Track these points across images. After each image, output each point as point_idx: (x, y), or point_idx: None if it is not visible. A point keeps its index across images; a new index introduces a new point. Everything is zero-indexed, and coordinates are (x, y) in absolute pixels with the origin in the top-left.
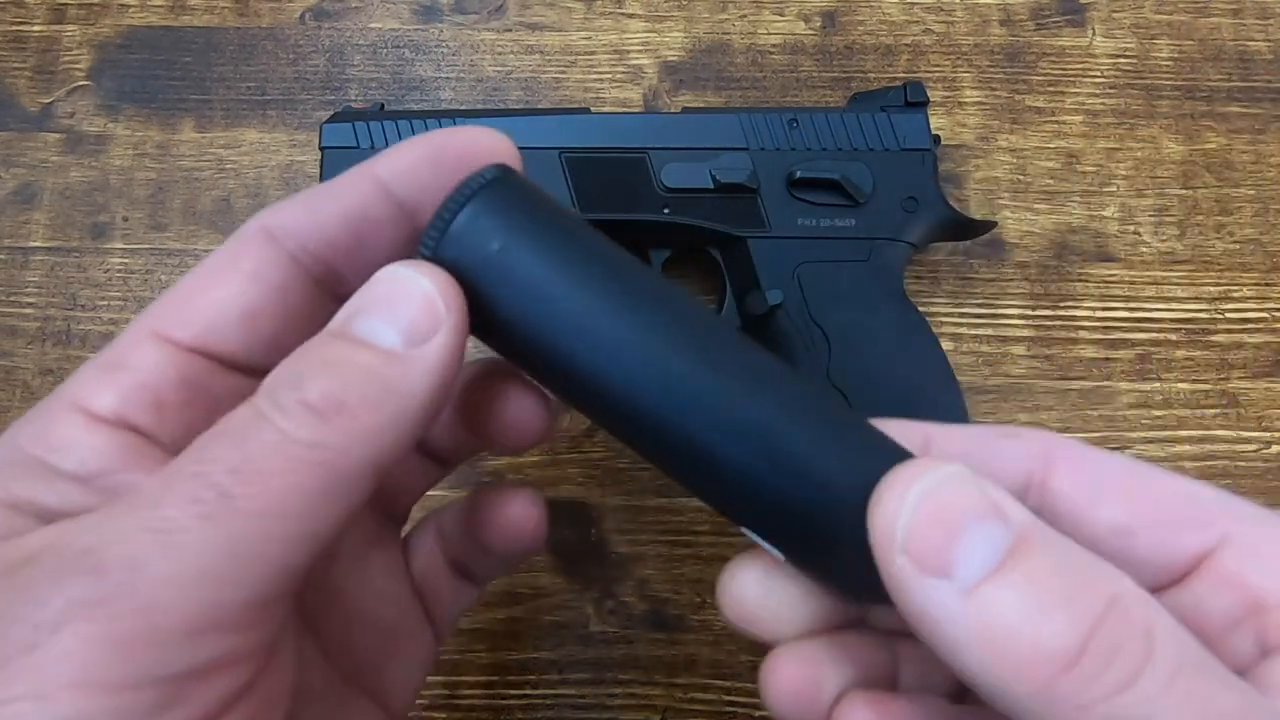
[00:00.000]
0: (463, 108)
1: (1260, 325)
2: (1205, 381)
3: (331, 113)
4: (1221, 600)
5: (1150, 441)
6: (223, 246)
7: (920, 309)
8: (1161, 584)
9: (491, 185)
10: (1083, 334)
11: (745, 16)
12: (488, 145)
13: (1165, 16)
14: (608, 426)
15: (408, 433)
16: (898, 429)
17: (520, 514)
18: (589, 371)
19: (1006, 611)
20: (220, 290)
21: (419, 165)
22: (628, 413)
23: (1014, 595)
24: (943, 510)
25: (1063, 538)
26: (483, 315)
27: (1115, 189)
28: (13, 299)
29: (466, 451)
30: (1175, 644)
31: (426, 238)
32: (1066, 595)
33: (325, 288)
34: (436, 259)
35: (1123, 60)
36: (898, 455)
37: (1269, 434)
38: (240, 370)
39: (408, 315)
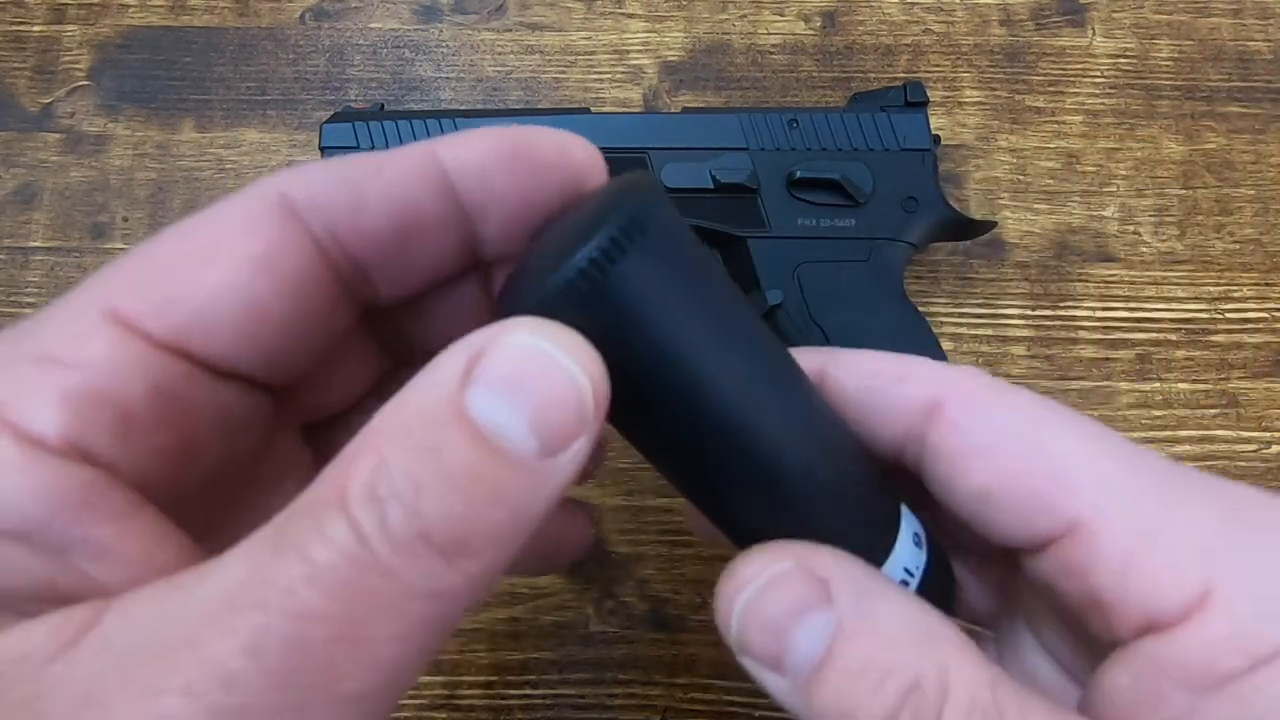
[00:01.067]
0: (463, 108)
1: (1260, 325)
2: (1205, 381)
3: (331, 113)
4: (1070, 584)
5: (1150, 441)
6: (223, 205)
7: (920, 309)
8: (1026, 550)
9: (650, 223)
10: (1083, 334)
11: (745, 16)
12: (580, 159)
13: (1165, 16)
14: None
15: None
16: (802, 356)
17: (575, 524)
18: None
19: (828, 703)
20: (216, 273)
21: (493, 162)
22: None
23: (833, 689)
24: (767, 614)
25: (887, 603)
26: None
27: (1115, 189)
28: (13, 299)
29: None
30: (961, 717)
31: (557, 280)
32: (874, 684)
33: (347, 285)
34: (559, 310)
35: (1123, 60)
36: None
37: (1269, 434)
38: (224, 377)
39: (553, 416)
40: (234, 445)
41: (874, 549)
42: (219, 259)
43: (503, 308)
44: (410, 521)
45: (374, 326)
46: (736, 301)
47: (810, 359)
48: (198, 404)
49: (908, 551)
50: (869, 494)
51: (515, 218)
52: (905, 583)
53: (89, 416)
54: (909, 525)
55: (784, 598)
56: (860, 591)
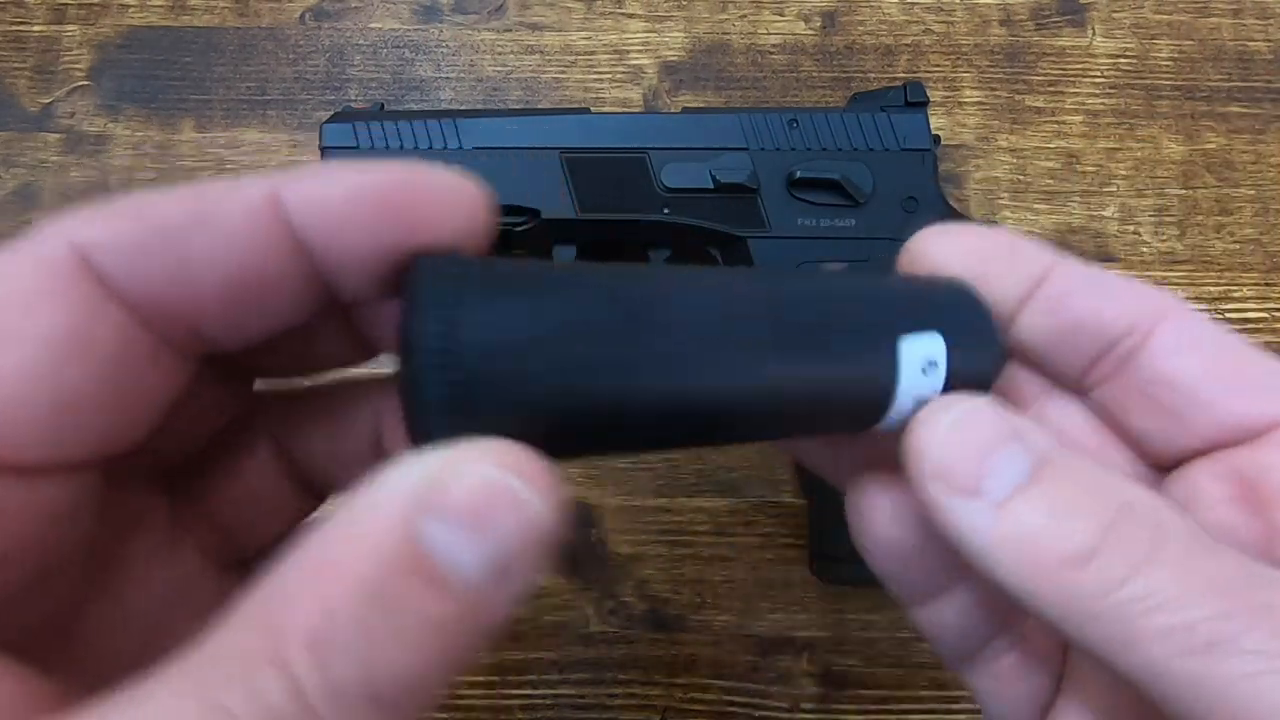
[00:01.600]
0: (463, 108)
1: (1260, 325)
2: None
3: (331, 113)
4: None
5: None
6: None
7: None
8: (1224, 442)
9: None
10: None
11: (745, 16)
12: (463, 212)
13: (1165, 16)
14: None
15: None
16: (1027, 250)
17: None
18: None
19: (1030, 522)
20: (9, 364)
21: (350, 214)
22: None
23: (1036, 508)
24: (970, 439)
25: (1081, 459)
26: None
27: (1115, 189)
28: None
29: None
30: (1180, 536)
31: (425, 402)
32: (1083, 505)
33: (174, 346)
34: (460, 425)
35: (1123, 60)
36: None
37: None
38: (36, 474)
39: (516, 553)
40: (64, 534)
41: (874, 407)
42: (8, 347)
43: (407, 413)
44: (362, 681)
45: (220, 367)
46: (609, 275)
47: (1035, 264)
48: (19, 511)
49: (915, 385)
50: (852, 372)
51: (374, 270)
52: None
53: None
54: (913, 356)
55: (988, 426)
56: (1053, 443)
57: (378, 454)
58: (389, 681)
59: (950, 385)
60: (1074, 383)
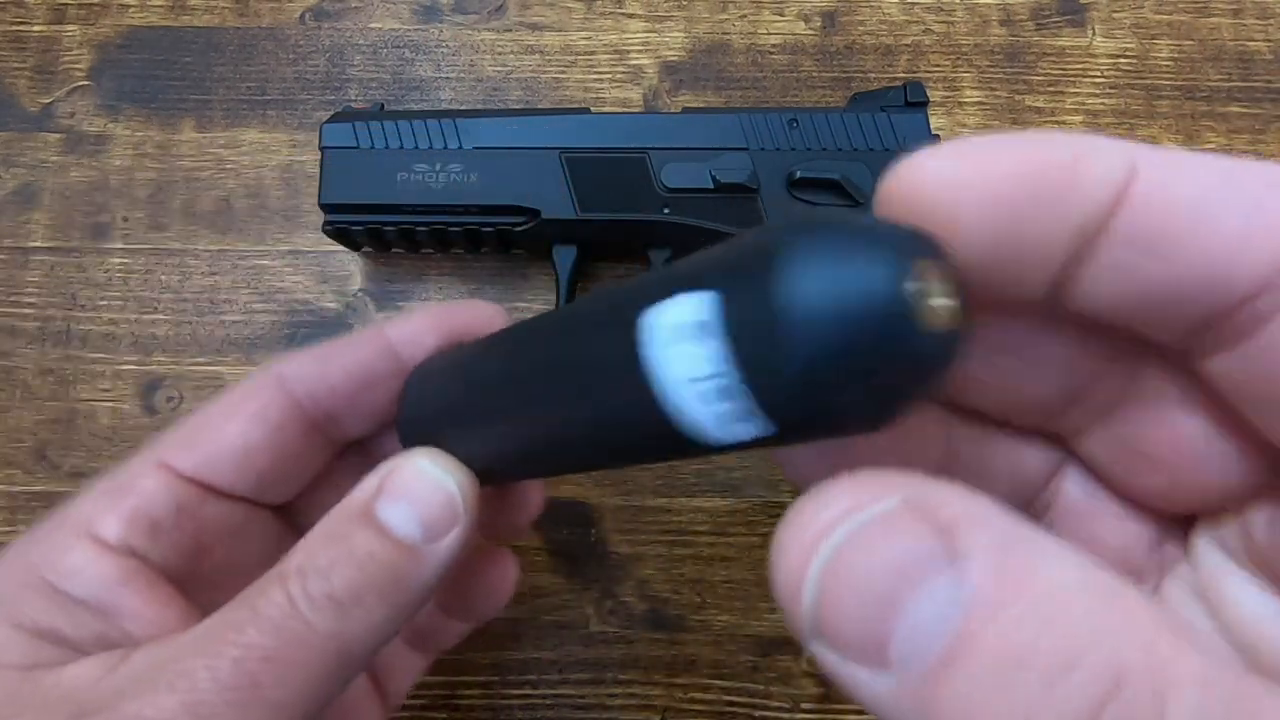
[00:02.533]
0: (463, 108)
1: None
2: None
3: (331, 113)
4: None
5: None
6: (239, 386)
7: None
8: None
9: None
10: None
11: (745, 16)
12: (484, 316)
13: (1165, 16)
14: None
15: (405, 621)
16: (1087, 148)
17: (498, 578)
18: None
19: (963, 709)
20: (225, 427)
21: (425, 333)
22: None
23: (971, 689)
24: (867, 577)
25: (1045, 557)
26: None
27: None
28: (13, 299)
29: (442, 635)
30: (1196, 708)
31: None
32: (1044, 679)
33: (321, 429)
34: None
35: (1123, 60)
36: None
37: None
38: (229, 498)
39: (430, 511)
40: (241, 548)
41: (649, 412)
42: (228, 417)
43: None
44: (322, 585)
45: (355, 454)
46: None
47: (1107, 163)
48: (204, 515)
49: (684, 362)
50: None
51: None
52: (724, 393)
53: (136, 527)
54: (659, 328)
55: (892, 551)
56: (1006, 539)
57: None
58: (344, 592)
59: (746, 355)
60: (1165, 350)
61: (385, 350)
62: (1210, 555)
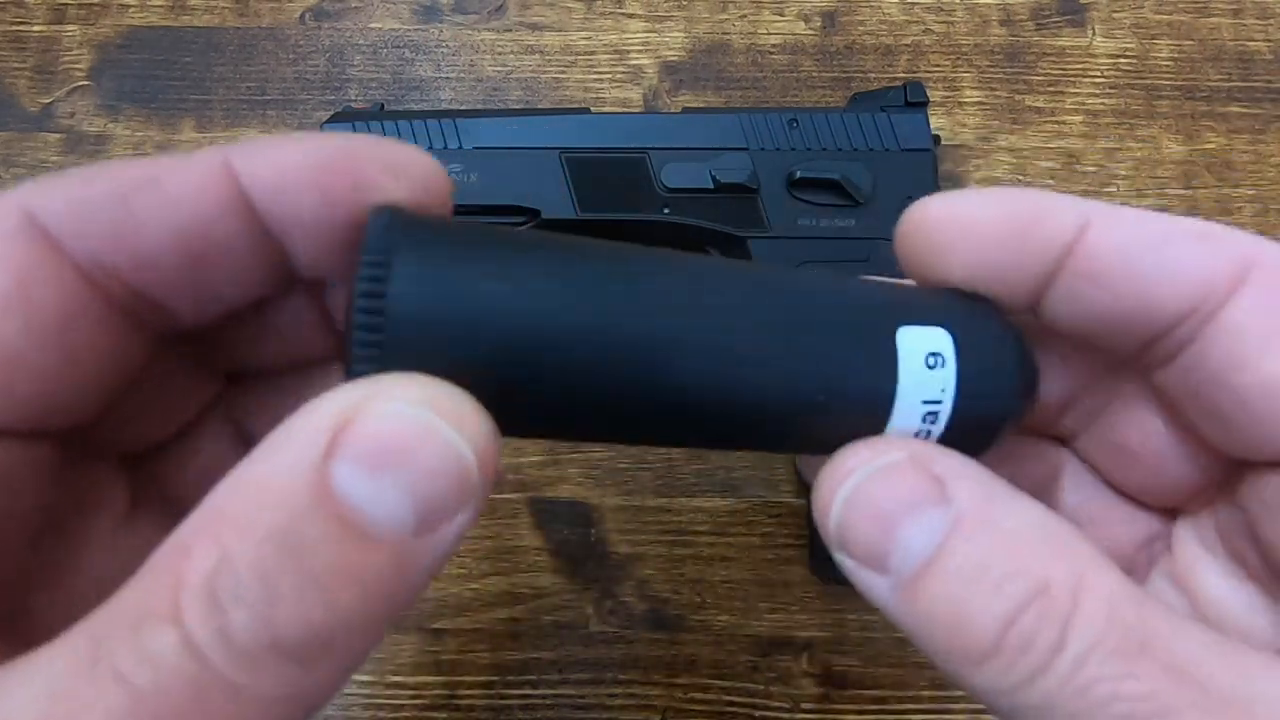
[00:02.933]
0: (463, 108)
1: None
2: None
3: (331, 113)
4: None
5: None
6: None
7: None
8: None
9: (402, 233)
10: None
11: (745, 16)
12: (416, 175)
13: (1165, 16)
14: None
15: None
16: (1053, 203)
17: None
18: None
19: (934, 606)
20: None
21: (301, 180)
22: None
23: (941, 590)
24: (875, 505)
25: (1012, 507)
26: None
27: (1115, 189)
28: None
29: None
30: (1096, 628)
31: (357, 341)
32: (992, 585)
33: (130, 317)
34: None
35: (1123, 60)
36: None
37: None
38: (31, 439)
39: (433, 490)
40: (16, 502)
41: (872, 410)
42: None
43: (346, 360)
44: (261, 630)
45: (188, 348)
46: (567, 248)
47: (1069, 216)
48: None
49: (920, 383)
50: (841, 359)
51: (329, 239)
52: (931, 416)
53: None
54: (915, 348)
55: (895, 488)
56: (984, 494)
57: None
58: (298, 634)
59: (963, 392)
60: (1129, 364)
61: (229, 197)
62: (1188, 545)
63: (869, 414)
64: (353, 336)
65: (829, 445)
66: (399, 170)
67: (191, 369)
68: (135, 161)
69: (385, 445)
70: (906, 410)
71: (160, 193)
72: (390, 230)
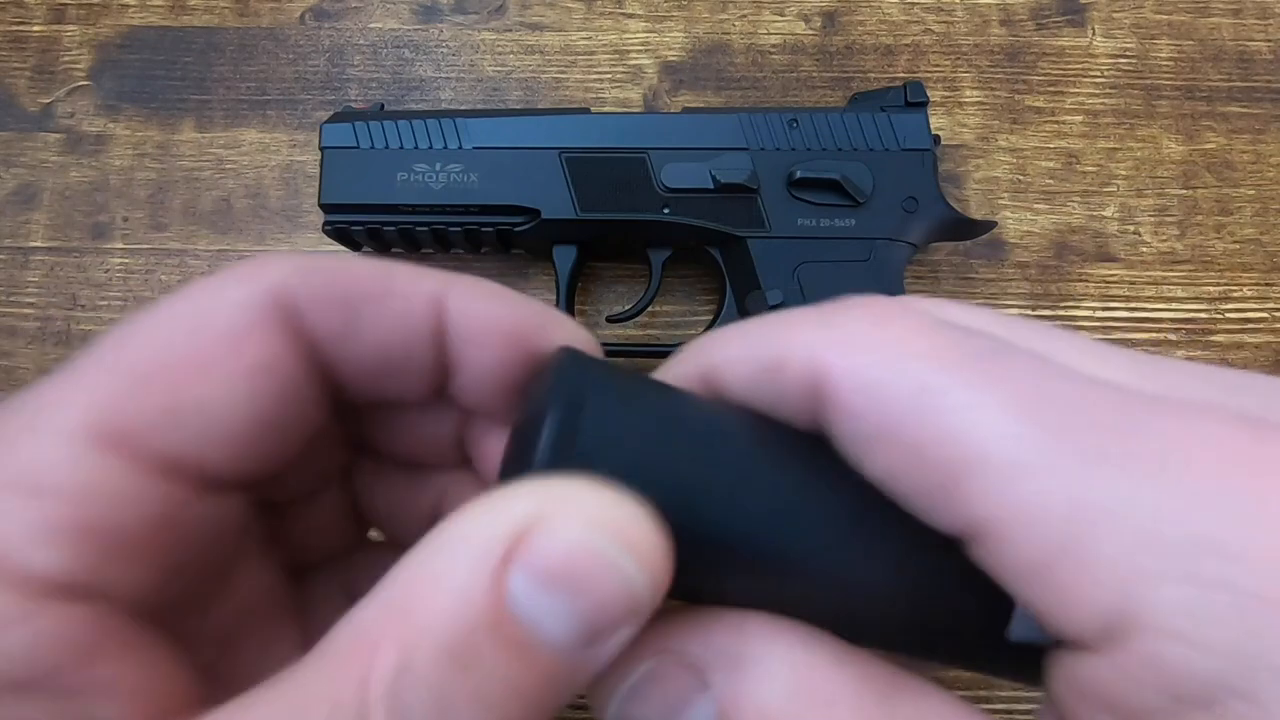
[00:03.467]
0: (463, 108)
1: (1260, 325)
2: None
3: (331, 113)
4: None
5: None
6: (209, 296)
7: None
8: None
9: (588, 400)
10: (1083, 334)
11: (745, 16)
12: (571, 334)
13: (1165, 16)
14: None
15: None
16: (675, 365)
17: None
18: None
19: None
20: (217, 388)
21: (499, 338)
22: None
23: None
24: (650, 711)
25: (769, 677)
26: None
27: (1115, 189)
28: (13, 299)
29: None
30: None
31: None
32: None
33: (326, 391)
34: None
35: (1123, 60)
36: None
37: None
38: (218, 489)
39: (605, 614)
40: (219, 550)
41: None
42: (217, 371)
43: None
44: None
45: (340, 417)
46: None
47: (687, 365)
48: (192, 519)
49: None
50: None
51: (492, 381)
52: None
53: (85, 550)
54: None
55: (658, 697)
56: (735, 667)
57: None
58: None
59: None
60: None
61: (436, 330)
62: None
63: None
64: (536, 458)
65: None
66: (570, 341)
67: (338, 436)
68: (374, 265)
69: (562, 566)
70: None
71: (384, 307)
72: (581, 370)
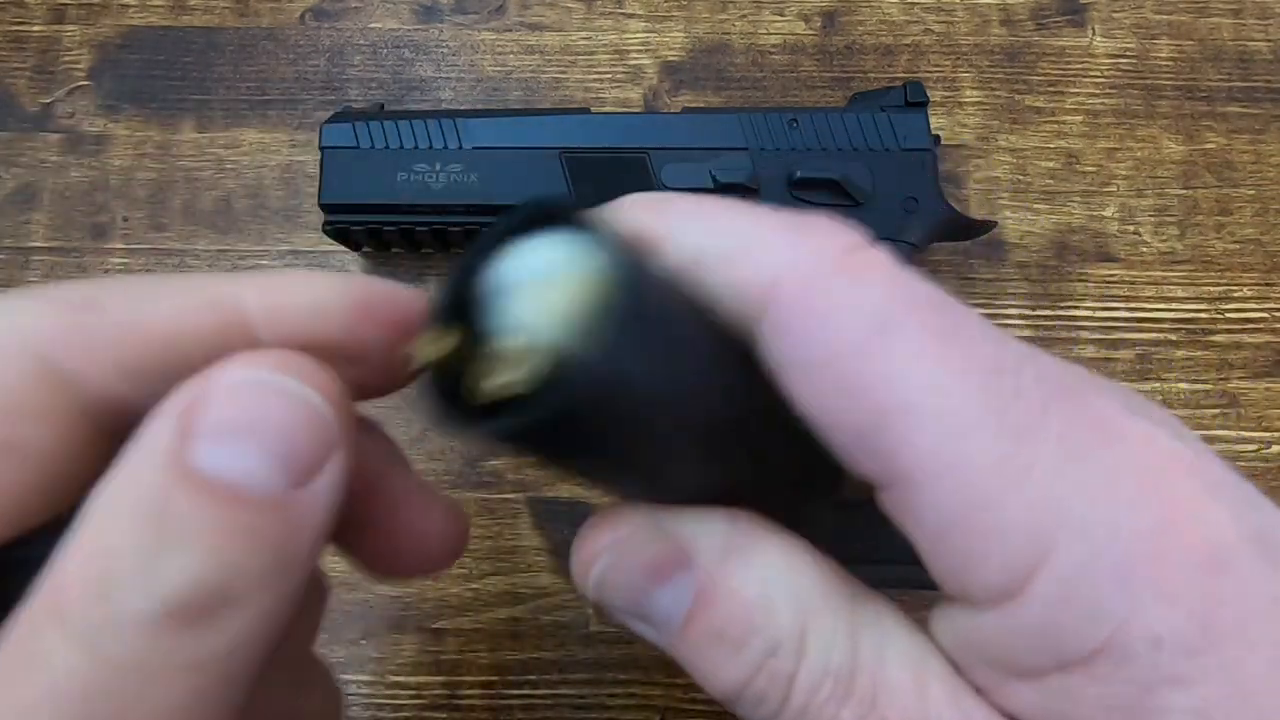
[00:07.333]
0: (463, 108)
1: (1260, 325)
2: (1205, 382)
3: (331, 113)
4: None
5: None
6: None
7: None
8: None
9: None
10: (1083, 334)
11: (745, 16)
12: (402, 301)
13: (1165, 16)
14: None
15: (297, 595)
16: (632, 209)
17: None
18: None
19: (689, 658)
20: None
21: (306, 309)
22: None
23: (691, 651)
24: (626, 579)
25: (750, 563)
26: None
27: (1115, 189)
28: None
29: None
30: (814, 679)
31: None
32: (730, 650)
33: (104, 424)
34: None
35: (1123, 60)
36: None
37: (1269, 434)
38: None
39: (294, 445)
40: None
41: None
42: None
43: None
44: (149, 602)
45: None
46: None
47: (642, 213)
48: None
49: None
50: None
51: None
52: None
53: None
54: None
55: (640, 561)
56: (724, 551)
57: None
58: (189, 593)
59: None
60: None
61: (231, 328)
62: None
63: None
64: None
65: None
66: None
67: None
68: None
69: (234, 415)
70: None
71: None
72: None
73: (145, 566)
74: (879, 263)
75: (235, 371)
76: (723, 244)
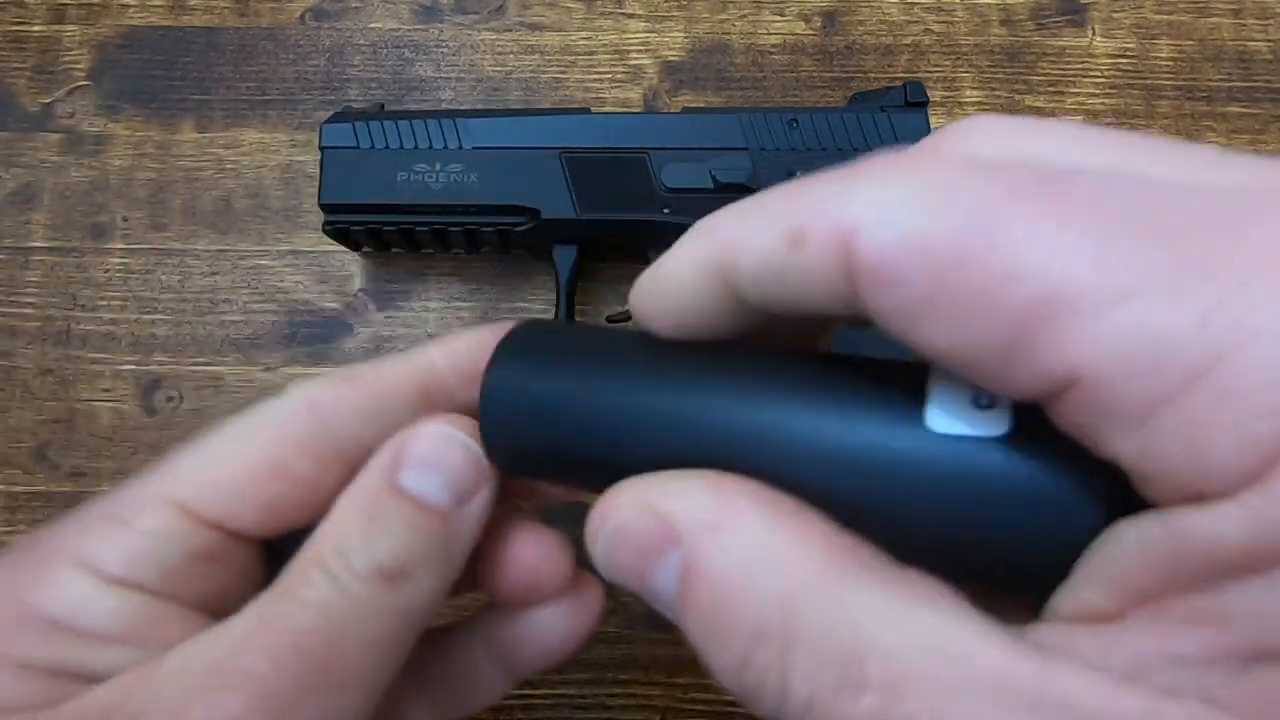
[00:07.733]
0: (463, 108)
1: None
2: None
3: (331, 113)
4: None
5: None
6: (260, 411)
7: None
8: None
9: (510, 337)
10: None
11: (745, 16)
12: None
13: (1165, 16)
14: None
15: (449, 587)
16: (686, 245)
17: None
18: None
19: (693, 634)
20: (252, 463)
21: (471, 354)
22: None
23: (691, 625)
24: (625, 560)
25: (735, 535)
26: (535, 453)
27: None
28: (13, 299)
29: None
30: (812, 665)
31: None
32: (722, 633)
33: (350, 459)
34: (487, 422)
35: (1123, 60)
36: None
37: None
38: (250, 540)
39: (460, 477)
40: (235, 576)
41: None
42: (256, 452)
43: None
44: (368, 563)
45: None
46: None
47: (697, 251)
48: (224, 557)
49: (950, 419)
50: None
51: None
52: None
53: (142, 566)
54: (943, 396)
55: (633, 543)
56: (706, 527)
57: None
58: (392, 562)
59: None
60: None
61: (428, 377)
62: None
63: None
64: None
65: None
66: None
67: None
68: (376, 365)
69: (428, 453)
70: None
71: (384, 386)
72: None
73: (364, 542)
74: (948, 164)
75: (429, 426)
76: (786, 225)
